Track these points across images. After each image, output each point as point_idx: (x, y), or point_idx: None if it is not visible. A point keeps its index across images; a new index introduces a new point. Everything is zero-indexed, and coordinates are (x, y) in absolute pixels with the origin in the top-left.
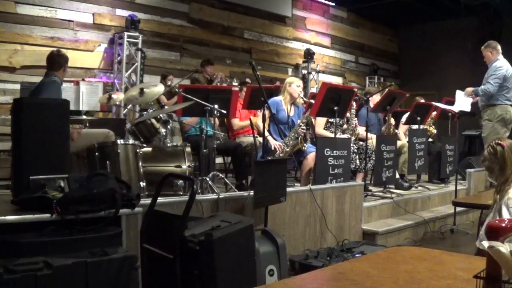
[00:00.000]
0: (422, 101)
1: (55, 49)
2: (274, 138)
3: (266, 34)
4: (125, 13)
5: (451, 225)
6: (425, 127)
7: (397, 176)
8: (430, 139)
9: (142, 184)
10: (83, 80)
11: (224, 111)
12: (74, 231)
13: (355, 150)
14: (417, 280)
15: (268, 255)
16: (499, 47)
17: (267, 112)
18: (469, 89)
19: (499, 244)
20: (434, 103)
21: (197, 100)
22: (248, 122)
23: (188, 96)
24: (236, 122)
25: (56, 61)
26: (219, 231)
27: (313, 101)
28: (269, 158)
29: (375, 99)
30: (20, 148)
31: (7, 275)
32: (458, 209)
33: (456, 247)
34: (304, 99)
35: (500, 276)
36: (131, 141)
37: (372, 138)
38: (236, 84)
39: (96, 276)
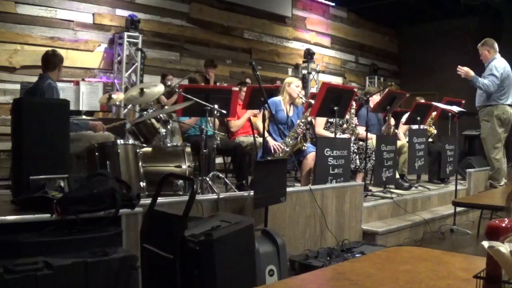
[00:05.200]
0: (422, 101)
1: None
2: (274, 138)
3: (266, 34)
4: (125, 13)
5: (451, 225)
6: (425, 127)
7: (397, 176)
8: (430, 139)
9: (142, 184)
10: (83, 80)
11: (224, 111)
12: (74, 231)
13: (355, 150)
14: (417, 280)
15: (268, 255)
16: (496, 45)
17: (266, 112)
18: (471, 73)
19: (499, 244)
20: (434, 103)
21: (197, 100)
22: (244, 119)
23: (188, 96)
24: (233, 124)
25: (51, 61)
26: (219, 231)
27: (312, 101)
28: (269, 158)
29: (375, 99)
30: (20, 148)
31: (7, 275)
32: (458, 209)
33: (456, 247)
34: (304, 99)
35: (500, 276)
36: (131, 141)
37: (372, 138)
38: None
39: (96, 276)
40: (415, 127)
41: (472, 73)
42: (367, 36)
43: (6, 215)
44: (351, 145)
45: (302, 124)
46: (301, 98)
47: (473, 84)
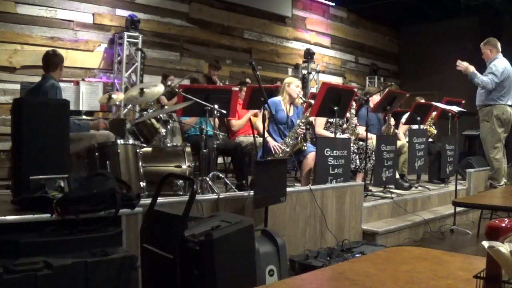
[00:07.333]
0: (422, 101)
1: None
2: (274, 138)
3: (266, 34)
4: (125, 13)
5: (451, 225)
6: (425, 127)
7: (397, 176)
8: (430, 139)
9: (142, 184)
10: (83, 80)
11: (224, 111)
12: (74, 231)
13: (355, 150)
14: (417, 280)
15: (268, 255)
16: (499, 45)
17: (266, 113)
18: (470, 68)
19: (499, 244)
20: (434, 103)
21: (197, 100)
22: (246, 118)
23: (188, 96)
24: (234, 123)
25: (52, 61)
26: (219, 231)
27: (312, 101)
28: (269, 158)
29: (375, 99)
30: (20, 148)
31: (7, 275)
32: (458, 209)
33: (456, 247)
34: (303, 99)
35: (500, 276)
36: (131, 141)
37: (372, 138)
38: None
39: (96, 276)
40: (415, 127)
41: (471, 68)
42: (367, 36)
43: (6, 215)
44: (351, 145)
45: (302, 124)
46: (300, 98)
47: (471, 80)
